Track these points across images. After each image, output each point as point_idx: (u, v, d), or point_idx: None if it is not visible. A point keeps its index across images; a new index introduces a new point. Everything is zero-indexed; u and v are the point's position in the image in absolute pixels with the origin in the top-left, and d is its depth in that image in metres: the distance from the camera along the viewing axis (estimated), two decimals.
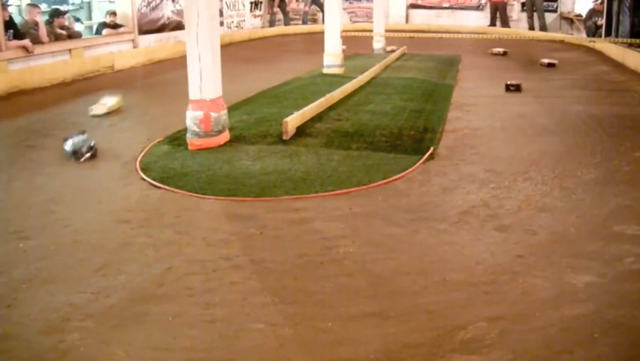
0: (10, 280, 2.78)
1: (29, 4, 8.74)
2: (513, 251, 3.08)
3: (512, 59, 11.06)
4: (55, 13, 8.83)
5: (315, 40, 11.18)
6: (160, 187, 4.06)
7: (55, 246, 3.15)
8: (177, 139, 5.14)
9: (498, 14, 15.22)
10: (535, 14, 14.65)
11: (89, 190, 4.03)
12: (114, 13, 9.97)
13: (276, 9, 15.92)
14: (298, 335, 2.36)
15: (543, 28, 14.50)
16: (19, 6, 9.73)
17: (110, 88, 7.98)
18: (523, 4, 15.53)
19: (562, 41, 13.00)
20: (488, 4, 15.70)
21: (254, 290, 2.70)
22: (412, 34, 12.62)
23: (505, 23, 15.10)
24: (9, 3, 8.38)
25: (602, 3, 11.98)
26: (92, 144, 4.72)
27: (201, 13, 4.68)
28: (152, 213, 3.62)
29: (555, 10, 15.24)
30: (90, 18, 11.67)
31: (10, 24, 7.66)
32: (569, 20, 15.19)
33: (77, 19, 10.44)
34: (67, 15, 9.36)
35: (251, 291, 2.69)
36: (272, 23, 15.94)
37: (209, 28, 4.74)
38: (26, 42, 7.73)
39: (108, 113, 6.20)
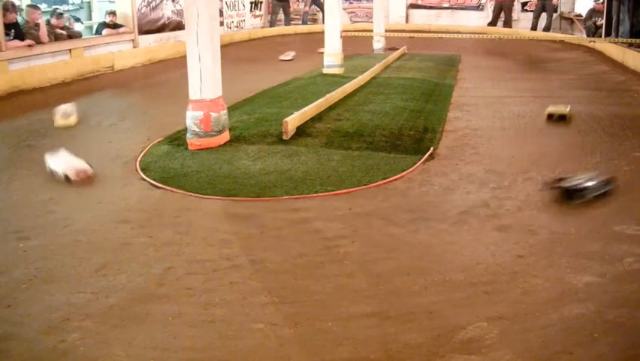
0: (10, 280, 2.78)
1: (30, 6, 8.74)
2: (513, 251, 3.08)
3: (512, 59, 11.05)
4: (53, 14, 8.84)
5: (315, 40, 11.18)
6: (160, 187, 4.06)
7: (55, 246, 3.15)
8: (177, 139, 5.14)
9: (502, 14, 15.19)
10: (542, 14, 14.64)
11: (89, 190, 4.03)
12: (114, 13, 9.98)
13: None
14: (298, 335, 2.36)
15: (547, 28, 14.52)
16: (18, 6, 9.72)
17: (110, 88, 8.01)
18: (523, 4, 15.53)
19: (562, 41, 13.00)
20: (490, 3, 15.68)
21: (254, 290, 2.70)
22: (412, 34, 12.62)
23: (508, 23, 15.08)
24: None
25: (602, 3, 11.98)
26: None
27: (201, 13, 4.68)
28: (152, 213, 3.62)
29: (555, 10, 15.24)
30: (90, 18, 11.67)
31: (12, 24, 7.66)
32: (569, 20, 15.19)
33: (77, 19, 10.44)
34: (66, 16, 9.36)
35: (251, 291, 2.69)
36: (272, 23, 15.93)
37: (209, 28, 4.74)
38: (29, 42, 7.75)
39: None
